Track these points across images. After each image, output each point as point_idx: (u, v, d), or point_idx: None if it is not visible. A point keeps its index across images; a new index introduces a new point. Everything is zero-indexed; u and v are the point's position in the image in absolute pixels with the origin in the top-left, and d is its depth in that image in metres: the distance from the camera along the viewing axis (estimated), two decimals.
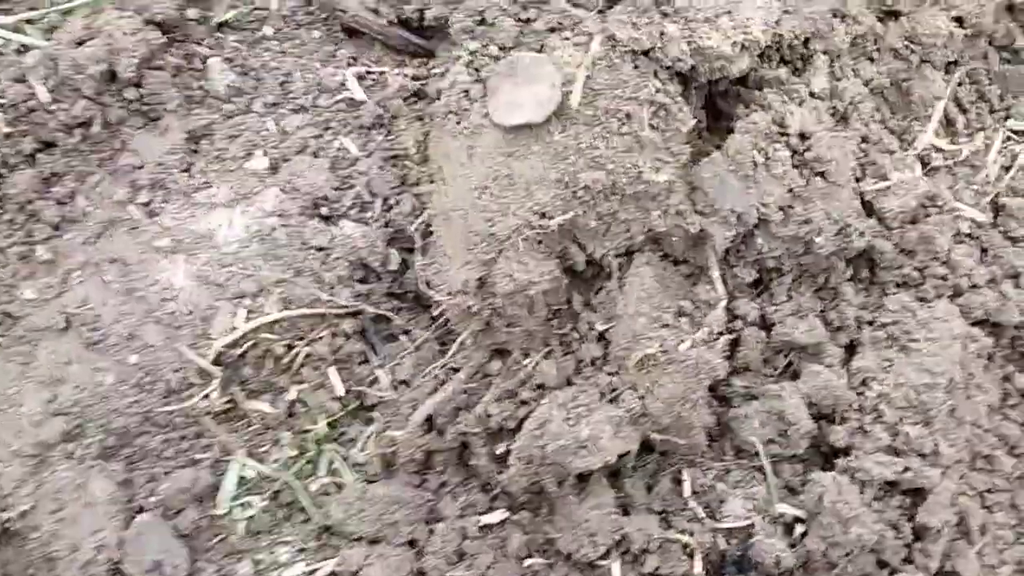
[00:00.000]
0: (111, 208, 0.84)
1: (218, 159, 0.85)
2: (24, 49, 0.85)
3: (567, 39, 0.75)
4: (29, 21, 0.86)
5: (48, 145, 0.84)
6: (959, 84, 0.89)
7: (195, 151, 0.85)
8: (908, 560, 0.78)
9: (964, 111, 0.89)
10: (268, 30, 0.88)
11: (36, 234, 0.83)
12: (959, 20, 0.86)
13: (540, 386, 0.79)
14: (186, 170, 0.84)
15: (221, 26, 0.88)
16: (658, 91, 0.74)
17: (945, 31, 0.85)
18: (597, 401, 0.77)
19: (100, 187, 0.84)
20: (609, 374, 0.79)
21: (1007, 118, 0.90)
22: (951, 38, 0.85)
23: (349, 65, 0.88)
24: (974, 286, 0.83)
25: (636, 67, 0.74)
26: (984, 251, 0.85)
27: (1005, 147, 0.89)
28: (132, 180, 0.84)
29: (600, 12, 0.75)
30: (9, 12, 0.86)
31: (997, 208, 0.87)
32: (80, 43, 0.83)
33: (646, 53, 0.74)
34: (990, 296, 0.83)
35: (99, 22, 0.84)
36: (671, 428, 0.77)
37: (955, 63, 0.89)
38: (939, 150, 0.87)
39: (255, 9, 0.88)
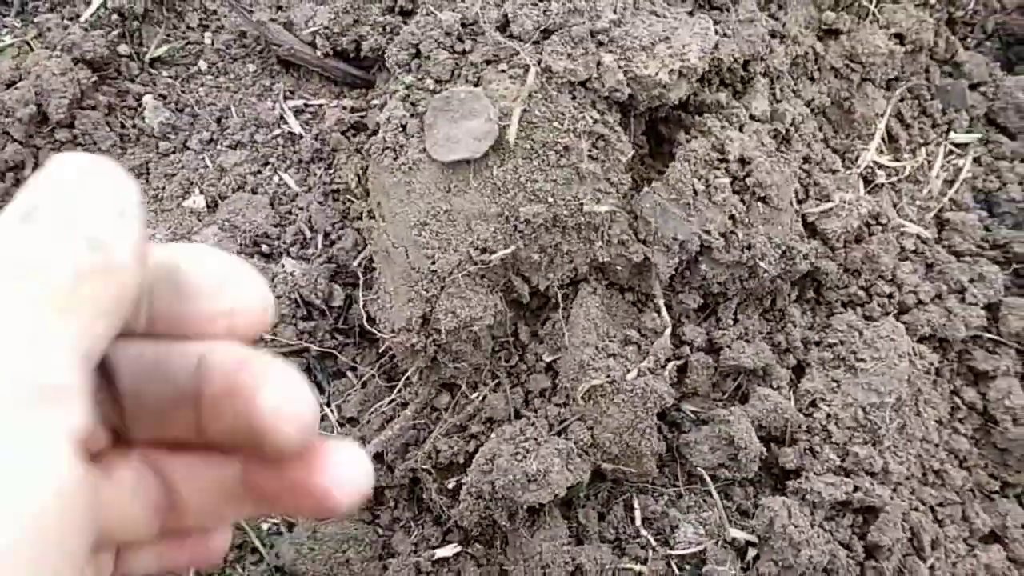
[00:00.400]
0: None
1: (155, 198, 0.83)
2: None
3: (503, 71, 0.74)
4: None
5: None
6: (901, 100, 0.89)
7: None
8: None
9: (907, 127, 0.89)
10: (203, 65, 0.86)
11: None
12: (899, 37, 0.86)
13: (489, 419, 0.79)
14: None
15: (154, 62, 0.86)
16: (596, 122, 0.73)
17: (885, 49, 0.85)
18: (546, 433, 0.76)
19: None
20: (557, 405, 0.78)
21: (949, 131, 0.90)
22: (891, 55, 0.85)
23: (286, 99, 0.86)
24: (920, 303, 0.83)
25: (573, 98, 0.73)
26: (929, 267, 0.85)
27: (948, 161, 0.89)
28: None
29: (535, 43, 0.74)
30: None
31: (941, 223, 0.87)
32: (9, 84, 0.82)
33: (583, 84, 0.73)
34: (936, 312, 0.83)
35: (27, 63, 0.82)
36: (621, 457, 0.77)
37: (896, 79, 0.89)
38: (882, 167, 0.86)
39: (188, 44, 0.86)
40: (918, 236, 0.85)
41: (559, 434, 0.77)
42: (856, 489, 0.77)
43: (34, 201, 0.26)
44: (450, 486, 0.79)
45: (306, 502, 0.31)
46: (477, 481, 0.75)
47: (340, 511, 0.31)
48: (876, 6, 0.87)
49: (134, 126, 0.84)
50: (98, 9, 0.85)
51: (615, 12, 0.75)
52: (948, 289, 0.84)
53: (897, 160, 0.88)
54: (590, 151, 0.73)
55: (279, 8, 0.87)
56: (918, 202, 0.87)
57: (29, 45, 0.84)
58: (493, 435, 0.76)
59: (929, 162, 0.88)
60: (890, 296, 0.83)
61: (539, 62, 0.72)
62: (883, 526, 0.77)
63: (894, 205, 0.86)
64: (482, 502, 0.75)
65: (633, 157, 0.76)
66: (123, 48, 0.85)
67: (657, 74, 0.73)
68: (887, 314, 0.82)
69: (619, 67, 0.73)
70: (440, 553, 0.80)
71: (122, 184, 0.27)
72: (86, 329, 0.26)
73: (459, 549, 0.80)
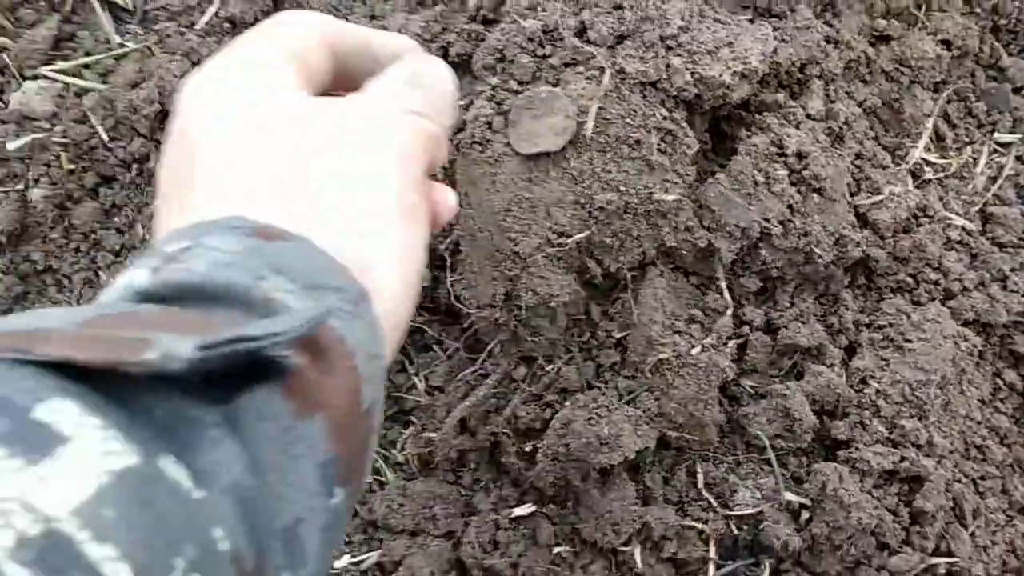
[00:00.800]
0: None
1: None
2: (83, 92, 0.93)
3: (580, 73, 0.81)
4: (86, 66, 0.94)
5: (108, 179, 0.92)
6: (948, 102, 0.95)
7: None
8: (906, 542, 0.83)
9: (953, 127, 0.95)
10: None
11: (99, 261, 0.91)
12: (946, 43, 0.93)
13: (563, 390, 0.86)
14: None
15: None
16: (665, 119, 0.80)
17: (932, 54, 0.91)
18: (616, 403, 0.83)
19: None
20: (627, 378, 0.85)
21: (993, 132, 0.96)
22: (938, 60, 0.92)
23: None
24: (964, 289, 0.89)
25: (644, 97, 0.80)
26: (974, 256, 0.91)
27: (992, 159, 0.95)
28: None
29: (610, 48, 0.81)
30: (68, 58, 0.94)
31: (985, 216, 0.93)
32: (134, 85, 0.91)
33: (653, 84, 0.80)
34: (979, 298, 0.89)
35: (150, 66, 0.91)
36: (685, 426, 0.83)
37: (943, 82, 0.95)
38: (930, 164, 0.93)
39: None
40: (963, 228, 0.91)
41: (628, 403, 0.84)
42: (903, 460, 0.83)
43: None
44: (527, 450, 0.86)
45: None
46: (553, 444, 0.82)
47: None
48: (925, 14, 0.93)
49: None
50: (211, 17, 0.94)
51: (683, 19, 0.82)
52: (991, 277, 0.90)
53: (944, 157, 0.94)
54: (659, 145, 0.80)
55: (373, 17, 0.95)
56: (963, 196, 0.93)
57: (150, 50, 0.93)
58: (567, 403, 0.84)
59: (974, 160, 0.94)
60: (936, 283, 0.89)
61: (613, 64, 0.80)
62: (927, 494, 0.83)
63: (940, 199, 0.92)
64: (557, 463, 0.83)
65: (698, 151, 0.83)
66: None
67: (721, 75, 0.80)
68: (933, 299, 0.89)
69: (686, 69, 0.80)
70: (517, 512, 0.88)
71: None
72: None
73: (534, 508, 0.88)
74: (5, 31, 0.94)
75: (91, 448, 0.25)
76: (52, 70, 0.93)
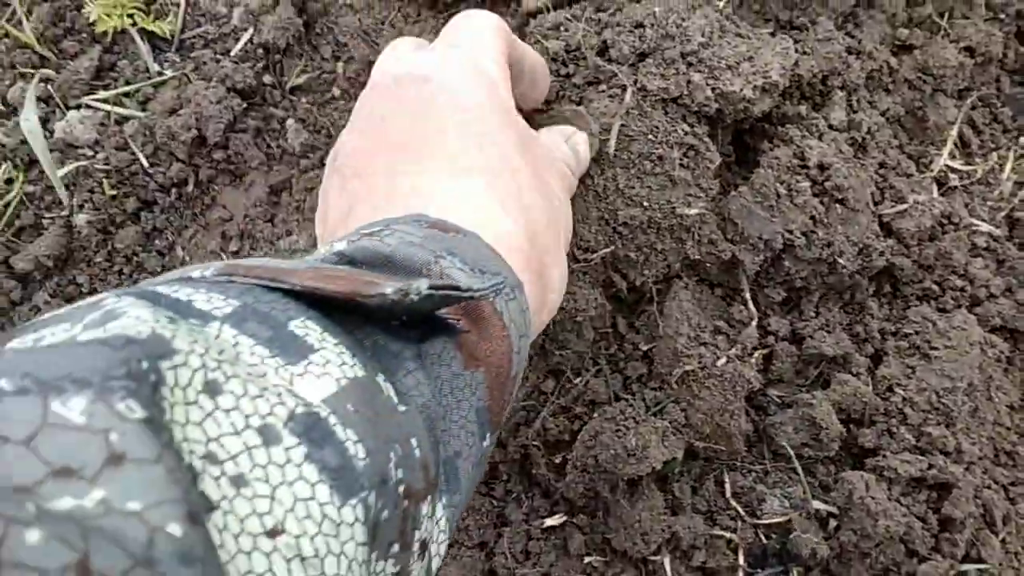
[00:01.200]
0: (206, 257, 0.94)
1: (297, 209, 0.95)
2: (124, 120, 0.96)
3: (603, 91, 0.82)
4: (126, 95, 0.97)
5: (149, 204, 0.95)
6: (972, 108, 0.95)
7: (276, 203, 0.95)
8: (936, 549, 0.84)
9: (978, 133, 0.95)
10: (336, 91, 0.98)
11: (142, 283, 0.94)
12: (969, 50, 0.93)
13: (591, 402, 0.88)
14: (270, 220, 0.95)
15: (294, 90, 0.98)
16: (687, 134, 0.81)
17: (955, 62, 0.91)
18: (643, 414, 0.85)
19: (195, 239, 0.95)
20: (653, 389, 0.87)
21: (1019, 137, 0.96)
22: (961, 67, 0.92)
23: None
24: (991, 296, 0.89)
25: (666, 113, 0.81)
26: (1000, 263, 0.91)
27: (1018, 164, 0.95)
28: (223, 231, 0.95)
29: (632, 66, 0.82)
30: (108, 87, 0.98)
31: (1012, 222, 0.93)
32: (172, 112, 0.94)
33: (675, 100, 0.81)
34: (1006, 304, 0.89)
35: (187, 93, 0.94)
36: (712, 436, 0.85)
37: (967, 89, 0.95)
38: (955, 171, 0.93)
39: (323, 73, 0.98)
40: (989, 234, 0.91)
41: (655, 415, 0.85)
42: (931, 467, 0.84)
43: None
44: (557, 461, 0.88)
45: None
46: (582, 456, 0.84)
47: None
48: (947, 22, 0.94)
49: (278, 146, 0.96)
50: (245, 44, 0.97)
51: (703, 36, 0.83)
52: (1018, 283, 0.90)
53: (969, 164, 0.94)
54: (681, 160, 0.81)
55: None
56: (989, 203, 0.93)
57: (188, 77, 0.97)
58: (596, 415, 0.85)
59: (1000, 165, 0.94)
60: (962, 290, 0.89)
61: (635, 82, 0.81)
62: (956, 501, 0.84)
63: (966, 205, 0.92)
64: (587, 475, 0.84)
65: (721, 165, 0.84)
66: (267, 78, 0.96)
67: (742, 90, 0.81)
68: (959, 306, 0.89)
69: (707, 85, 0.81)
70: (549, 522, 0.89)
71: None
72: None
73: (565, 519, 0.89)
74: (49, 63, 0.98)
75: (332, 358, 0.32)
76: (94, 99, 0.96)
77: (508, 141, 0.58)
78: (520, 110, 0.66)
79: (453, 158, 0.55)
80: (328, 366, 0.32)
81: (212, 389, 0.27)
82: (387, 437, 0.32)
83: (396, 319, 0.38)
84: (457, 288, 0.37)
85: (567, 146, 0.74)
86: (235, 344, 0.30)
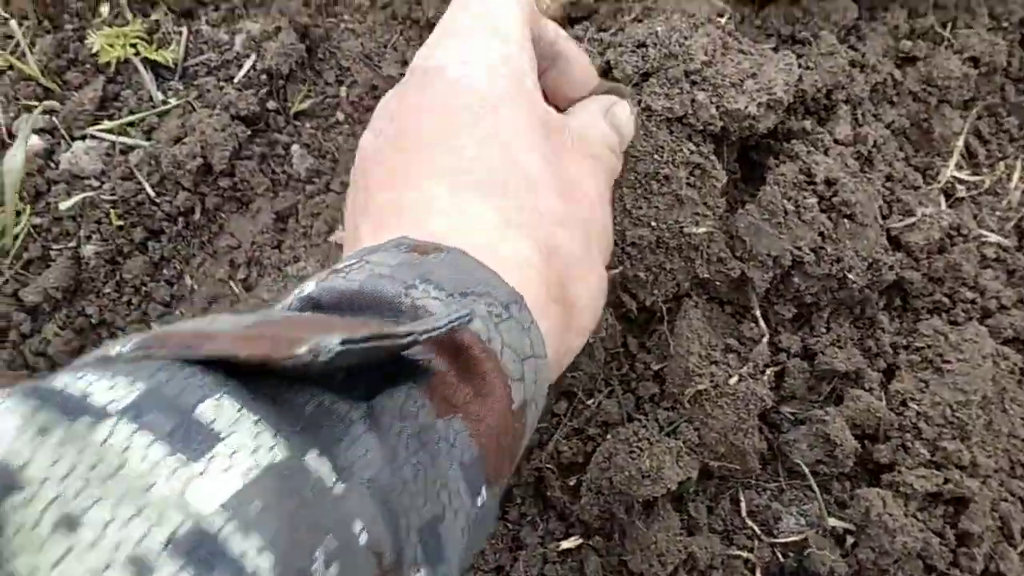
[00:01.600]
0: (214, 285, 0.94)
1: (304, 235, 0.94)
2: (129, 149, 0.96)
3: None
4: (131, 124, 0.97)
5: (156, 233, 0.95)
6: (978, 118, 0.95)
7: (283, 229, 0.95)
8: (954, 564, 0.83)
9: (985, 142, 0.95)
10: (340, 116, 0.98)
11: (151, 312, 0.94)
12: (974, 60, 0.93)
13: (604, 423, 0.87)
14: (277, 247, 0.95)
15: (298, 115, 0.98)
16: (692, 153, 0.81)
17: (959, 73, 0.91)
18: (657, 435, 0.84)
19: (203, 267, 0.95)
20: (666, 409, 0.86)
21: None
22: (966, 78, 0.92)
23: None
24: (1002, 307, 0.89)
25: (671, 132, 0.81)
26: (1010, 273, 0.91)
27: None
28: (231, 259, 0.94)
29: (635, 86, 0.82)
30: (113, 117, 0.98)
31: (1021, 232, 0.92)
32: (177, 140, 0.94)
33: (679, 119, 0.81)
34: (1018, 316, 0.89)
35: (192, 121, 0.94)
36: (726, 455, 0.84)
37: (973, 99, 0.95)
38: (962, 182, 0.93)
39: (327, 98, 0.98)
40: (999, 245, 0.91)
41: (669, 435, 0.85)
42: (946, 481, 0.83)
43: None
44: (571, 483, 0.88)
45: None
46: (596, 478, 0.84)
47: None
48: (951, 32, 0.94)
49: (284, 172, 0.96)
50: (248, 71, 0.97)
51: (706, 54, 0.83)
52: None
53: (976, 174, 0.93)
54: (688, 179, 0.81)
55: (404, 63, 0.97)
56: (998, 213, 0.92)
57: (192, 105, 0.97)
58: (609, 436, 0.85)
59: (1008, 175, 0.94)
60: (973, 302, 0.89)
61: (639, 102, 0.81)
62: (973, 515, 0.83)
63: (974, 216, 0.92)
64: (601, 497, 0.84)
65: (727, 182, 0.84)
66: (271, 104, 0.96)
67: (746, 107, 0.81)
68: (971, 319, 0.88)
69: (711, 103, 0.81)
70: (564, 545, 0.89)
71: None
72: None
73: (581, 541, 0.89)
74: (53, 94, 0.98)
75: (244, 443, 0.28)
76: (99, 130, 0.96)
77: (523, 137, 0.53)
78: (553, 104, 0.62)
79: (456, 165, 0.50)
80: (236, 456, 0.28)
81: (69, 523, 0.24)
82: (313, 531, 0.28)
83: (334, 376, 0.34)
84: (389, 336, 0.32)
85: (606, 122, 0.69)
86: (125, 449, 0.26)
